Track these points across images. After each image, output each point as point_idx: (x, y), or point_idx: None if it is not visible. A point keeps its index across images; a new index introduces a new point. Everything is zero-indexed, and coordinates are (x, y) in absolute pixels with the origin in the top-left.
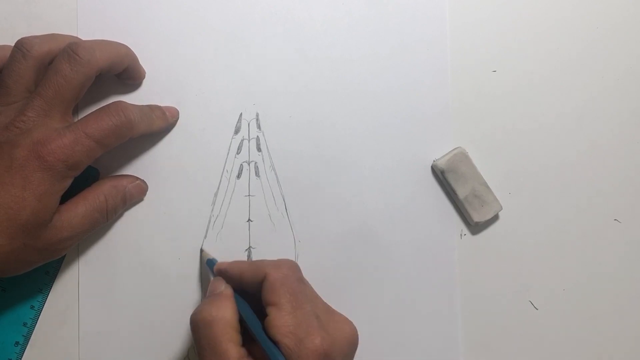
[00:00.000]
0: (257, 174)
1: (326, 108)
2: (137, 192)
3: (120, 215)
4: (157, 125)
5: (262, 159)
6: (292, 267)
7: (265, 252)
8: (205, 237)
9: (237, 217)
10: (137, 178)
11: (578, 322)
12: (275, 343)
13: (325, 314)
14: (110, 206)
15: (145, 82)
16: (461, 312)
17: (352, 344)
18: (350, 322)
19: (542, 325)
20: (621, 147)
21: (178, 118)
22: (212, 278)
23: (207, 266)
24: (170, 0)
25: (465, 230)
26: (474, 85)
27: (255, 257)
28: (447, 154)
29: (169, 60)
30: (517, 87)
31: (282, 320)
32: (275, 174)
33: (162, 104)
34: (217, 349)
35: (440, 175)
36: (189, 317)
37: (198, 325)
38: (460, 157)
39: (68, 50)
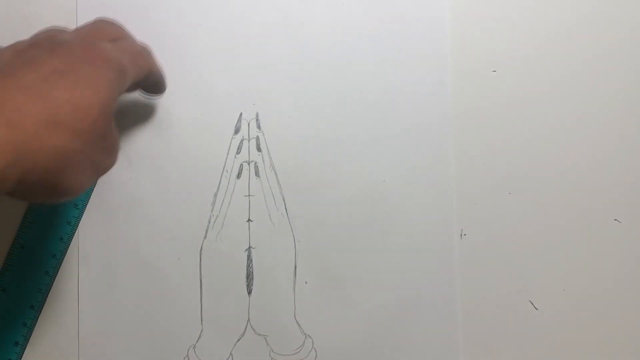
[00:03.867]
0: (257, 174)
1: (326, 108)
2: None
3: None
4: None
5: (262, 159)
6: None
7: (265, 252)
8: (205, 237)
9: (237, 217)
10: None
11: (578, 322)
12: None
13: None
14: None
15: None
16: (461, 312)
17: None
18: None
19: (542, 325)
20: (621, 147)
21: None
22: None
23: None
24: (170, 1)
25: (466, 230)
26: (474, 86)
27: (255, 257)
28: None
29: (169, 60)
30: (518, 87)
31: None
32: (275, 174)
33: (162, 104)
34: None
35: None
36: (189, 317)
37: None
38: None
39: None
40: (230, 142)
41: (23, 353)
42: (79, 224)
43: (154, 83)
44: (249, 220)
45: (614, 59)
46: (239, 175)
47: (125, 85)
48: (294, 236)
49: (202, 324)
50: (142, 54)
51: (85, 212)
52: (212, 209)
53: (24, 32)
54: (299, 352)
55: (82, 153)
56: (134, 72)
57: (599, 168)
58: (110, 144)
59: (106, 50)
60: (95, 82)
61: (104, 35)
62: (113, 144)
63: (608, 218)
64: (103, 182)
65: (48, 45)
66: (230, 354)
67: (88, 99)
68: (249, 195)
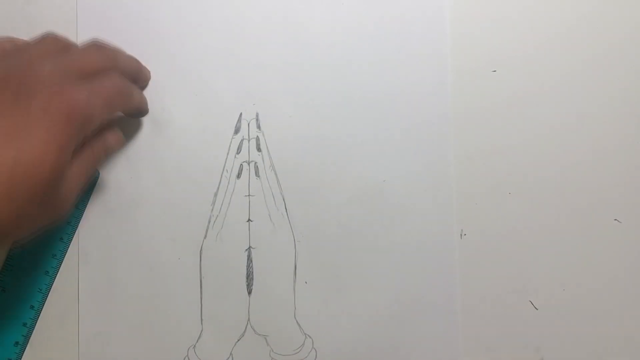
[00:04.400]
0: (257, 174)
1: (326, 108)
2: (115, 141)
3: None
4: (143, 101)
5: (262, 159)
6: None
7: (265, 252)
8: (205, 237)
9: (237, 217)
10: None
11: (578, 322)
12: None
13: None
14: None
15: None
16: (461, 312)
17: None
18: None
19: (542, 325)
20: (621, 147)
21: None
22: None
23: None
24: (170, 1)
25: (466, 230)
26: (474, 86)
27: (255, 257)
28: None
29: (169, 60)
30: (518, 87)
31: None
32: (275, 174)
33: (162, 104)
34: None
35: None
36: (189, 317)
37: None
38: None
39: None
40: (230, 142)
41: (23, 353)
42: (79, 224)
43: (130, 115)
44: (249, 220)
45: (614, 58)
46: (239, 175)
47: (89, 130)
48: (294, 236)
49: (202, 324)
50: (122, 94)
51: (85, 212)
52: (212, 209)
53: (24, 32)
54: (299, 352)
55: (17, 216)
56: (106, 113)
57: (599, 168)
58: (54, 201)
59: (74, 98)
60: (49, 142)
61: (91, 66)
62: (59, 200)
63: (608, 218)
64: (103, 182)
65: (15, 89)
66: (230, 354)
67: (35, 168)
68: (249, 195)
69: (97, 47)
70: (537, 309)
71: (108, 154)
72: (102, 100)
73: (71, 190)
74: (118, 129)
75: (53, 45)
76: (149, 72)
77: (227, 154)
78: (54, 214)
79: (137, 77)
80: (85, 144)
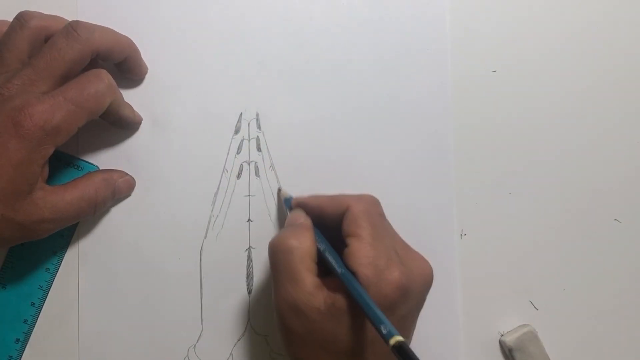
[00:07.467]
0: (257, 174)
1: (326, 108)
2: (125, 187)
3: (108, 210)
4: (127, 111)
5: (262, 159)
6: (374, 202)
7: (266, 252)
8: (205, 237)
9: (237, 217)
10: (126, 174)
11: (578, 322)
12: (353, 273)
13: (404, 250)
14: (100, 198)
15: (145, 81)
16: (461, 312)
17: (428, 282)
18: (427, 261)
19: (542, 325)
20: (621, 147)
21: (140, 122)
22: (289, 213)
23: (285, 204)
24: (170, 1)
25: (466, 230)
26: (474, 86)
27: (255, 257)
28: (515, 331)
29: (169, 60)
30: (518, 87)
31: (363, 251)
32: (275, 174)
33: (162, 104)
34: (294, 276)
35: (507, 352)
36: (189, 317)
37: (277, 251)
38: (530, 337)
39: (68, 27)
40: (230, 142)
41: (24, 351)
42: (79, 223)
43: (117, 124)
44: (249, 220)
45: (614, 58)
46: (239, 175)
47: (60, 140)
48: None
49: (202, 324)
50: (96, 95)
51: None
52: (212, 209)
53: None
54: None
55: None
56: (79, 119)
57: (599, 168)
58: (20, 218)
59: (33, 113)
60: (4, 155)
61: (62, 67)
62: (28, 217)
63: (608, 218)
64: None
65: None
66: (230, 354)
67: None
68: (249, 195)
69: (66, 38)
70: (537, 309)
71: (116, 197)
72: (74, 106)
73: (52, 214)
74: (130, 175)
75: (24, 43)
76: (144, 63)
77: (227, 154)
78: (24, 232)
79: (127, 57)
80: (89, 181)
